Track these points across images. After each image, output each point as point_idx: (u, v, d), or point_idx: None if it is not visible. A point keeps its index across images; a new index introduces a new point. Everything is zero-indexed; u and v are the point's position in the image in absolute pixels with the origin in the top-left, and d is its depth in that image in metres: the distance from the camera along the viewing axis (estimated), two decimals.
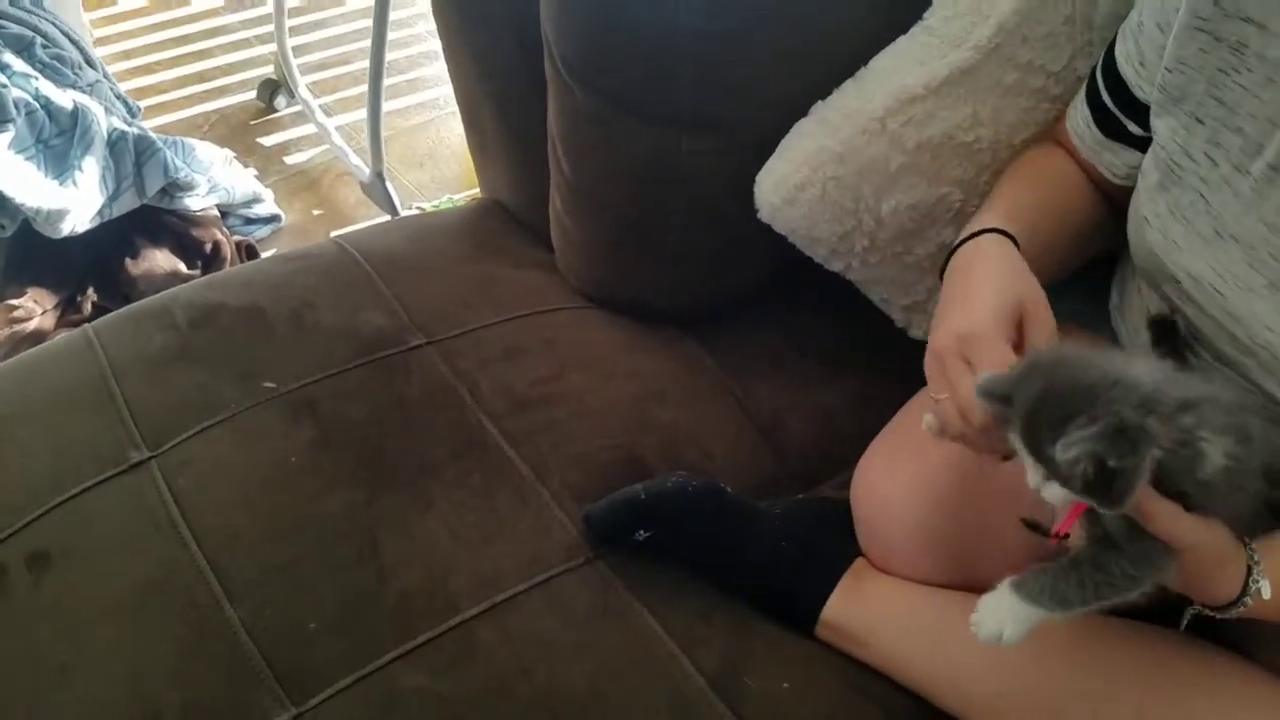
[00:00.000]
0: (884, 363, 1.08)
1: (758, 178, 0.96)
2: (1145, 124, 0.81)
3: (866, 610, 0.83)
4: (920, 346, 1.09)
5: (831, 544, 0.87)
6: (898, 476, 0.85)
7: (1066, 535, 0.63)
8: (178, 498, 0.86)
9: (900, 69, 0.92)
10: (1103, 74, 0.83)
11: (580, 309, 1.07)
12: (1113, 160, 0.84)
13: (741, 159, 0.96)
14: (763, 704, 0.78)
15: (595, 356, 1.02)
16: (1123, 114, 0.82)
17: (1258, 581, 0.63)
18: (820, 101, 0.94)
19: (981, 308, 0.71)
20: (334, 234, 1.12)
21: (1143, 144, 0.83)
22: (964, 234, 0.80)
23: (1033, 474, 0.61)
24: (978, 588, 0.81)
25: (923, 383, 0.93)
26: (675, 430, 0.99)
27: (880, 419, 0.93)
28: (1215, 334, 0.74)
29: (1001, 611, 0.66)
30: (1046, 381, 0.59)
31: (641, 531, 0.85)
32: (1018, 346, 0.71)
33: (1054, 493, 0.59)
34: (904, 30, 0.94)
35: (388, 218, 1.75)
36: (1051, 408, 0.58)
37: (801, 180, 0.93)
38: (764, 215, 0.97)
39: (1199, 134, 0.74)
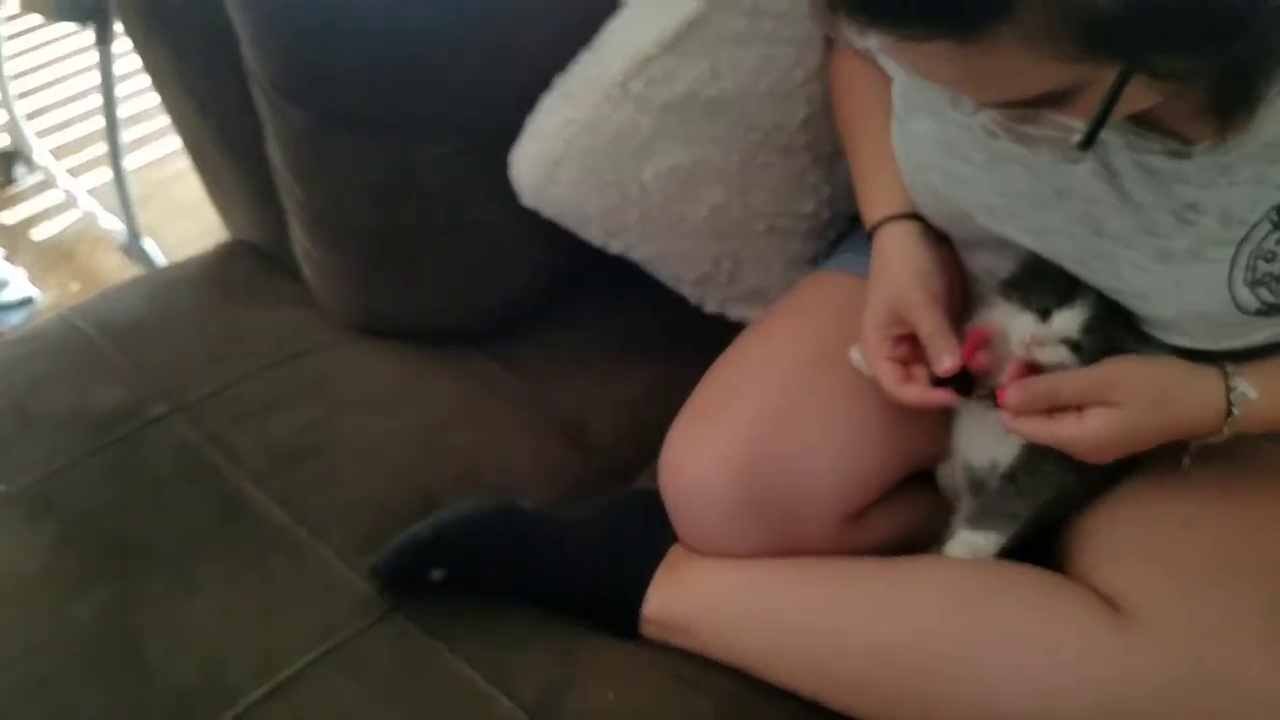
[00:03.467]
0: (685, 345, 1.06)
1: (511, 160, 0.92)
2: None
3: (686, 597, 0.81)
4: (716, 322, 1.10)
5: (644, 536, 0.85)
6: (699, 450, 0.83)
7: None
8: None
9: (632, 31, 0.90)
10: None
11: (348, 344, 1.00)
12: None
13: (487, 159, 0.92)
14: None
15: (370, 392, 0.96)
16: None
17: (1236, 387, 0.66)
18: (560, 76, 0.91)
19: (866, 315, 0.80)
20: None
21: None
22: (865, 210, 0.86)
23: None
24: (793, 551, 0.81)
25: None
26: (471, 454, 0.94)
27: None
28: (1015, 254, 0.75)
29: (965, 551, 0.76)
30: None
31: (436, 571, 0.79)
32: (910, 336, 0.77)
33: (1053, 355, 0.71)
34: None
35: None
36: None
37: (556, 156, 0.91)
38: (526, 200, 0.93)
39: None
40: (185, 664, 0.75)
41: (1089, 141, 0.53)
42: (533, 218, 0.95)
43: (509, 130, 0.91)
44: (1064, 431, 0.69)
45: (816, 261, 1.08)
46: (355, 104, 0.86)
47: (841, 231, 1.09)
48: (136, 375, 0.93)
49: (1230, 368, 0.68)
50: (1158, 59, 0.50)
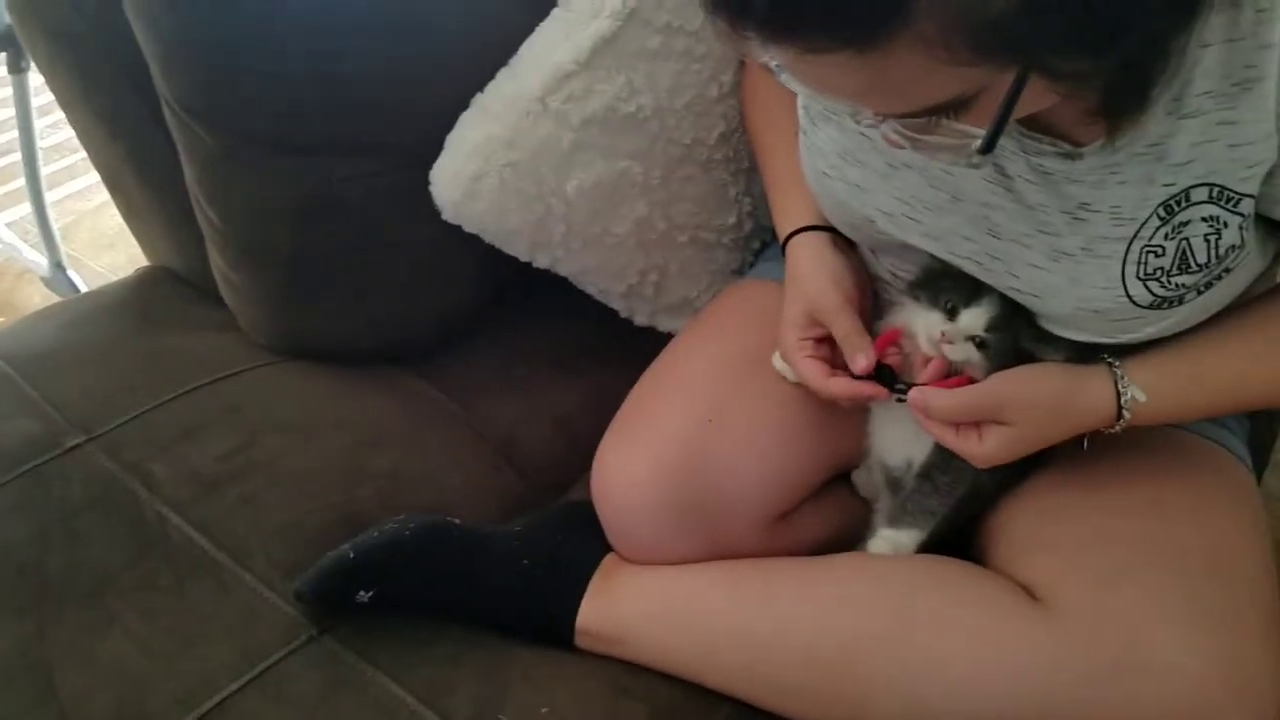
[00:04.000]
0: (616, 357, 1.06)
1: (431, 176, 0.92)
2: None
3: (620, 606, 0.80)
4: (647, 333, 1.10)
5: (578, 548, 0.84)
6: (630, 459, 0.83)
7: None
8: None
9: (549, 49, 0.91)
10: None
11: (270, 366, 0.98)
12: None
13: (409, 177, 0.91)
14: None
15: (292, 416, 0.94)
16: None
17: (1127, 391, 0.70)
18: (479, 94, 0.91)
19: (783, 321, 0.82)
20: None
21: None
22: (778, 224, 0.87)
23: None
24: (724, 555, 0.82)
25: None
26: (398, 474, 0.92)
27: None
28: (920, 257, 0.76)
29: (886, 548, 0.78)
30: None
31: (362, 593, 0.78)
32: (827, 338, 0.80)
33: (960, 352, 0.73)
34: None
35: None
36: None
37: (476, 172, 0.90)
38: (447, 215, 0.93)
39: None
40: (103, 698, 0.72)
41: (989, 146, 0.54)
42: (460, 235, 0.94)
43: (431, 148, 0.90)
44: (964, 446, 0.72)
45: (742, 271, 1.09)
46: (270, 126, 0.85)
47: (764, 242, 1.10)
48: (49, 406, 0.90)
49: (1120, 370, 0.70)
50: (1053, 60, 0.51)
